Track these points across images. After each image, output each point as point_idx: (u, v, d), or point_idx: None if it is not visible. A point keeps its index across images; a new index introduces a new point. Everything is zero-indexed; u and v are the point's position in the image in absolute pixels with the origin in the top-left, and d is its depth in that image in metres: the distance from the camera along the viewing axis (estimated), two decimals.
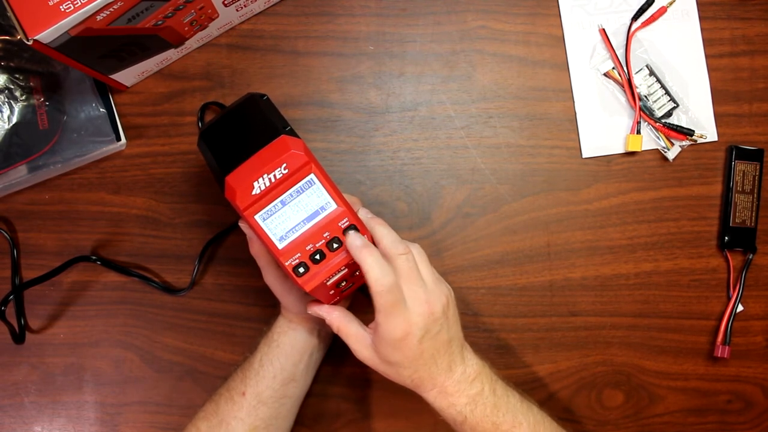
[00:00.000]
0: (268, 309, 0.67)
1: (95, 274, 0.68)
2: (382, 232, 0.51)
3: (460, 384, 0.53)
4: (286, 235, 0.50)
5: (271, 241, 0.50)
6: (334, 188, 0.50)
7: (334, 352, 0.66)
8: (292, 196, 0.49)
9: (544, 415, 0.57)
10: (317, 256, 0.50)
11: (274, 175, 0.49)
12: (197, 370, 0.67)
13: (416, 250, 0.53)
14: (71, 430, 0.67)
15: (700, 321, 0.69)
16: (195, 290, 0.68)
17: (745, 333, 0.69)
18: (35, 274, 0.65)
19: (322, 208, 0.50)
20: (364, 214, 0.53)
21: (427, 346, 0.51)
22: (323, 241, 0.50)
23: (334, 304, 0.55)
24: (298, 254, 0.50)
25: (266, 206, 0.49)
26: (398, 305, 0.49)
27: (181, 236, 0.68)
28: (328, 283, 0.51)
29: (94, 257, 0.67)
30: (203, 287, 0.68)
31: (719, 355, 0.67)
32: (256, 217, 0.49)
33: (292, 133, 0.50)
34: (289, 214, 0.49)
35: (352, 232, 0.50)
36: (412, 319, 0.50)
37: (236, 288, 0.68)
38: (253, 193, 0.49)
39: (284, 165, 0.49)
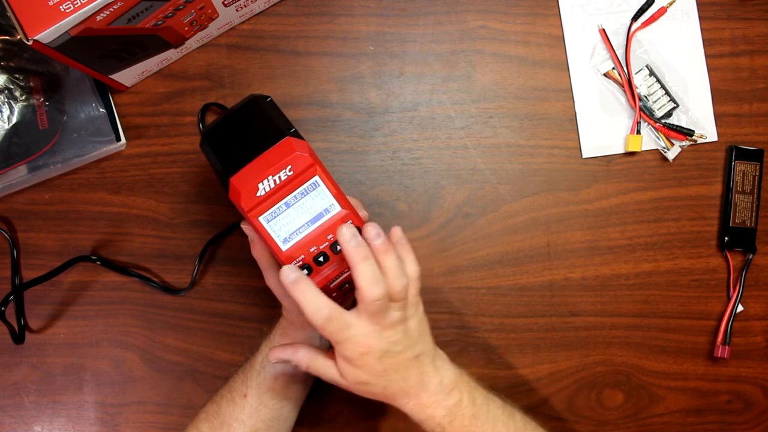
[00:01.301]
0: (268, 309, 0.67)
1: (95, 274, 0.68)
2: (361, 271, 0.47)
3: (437, 395, 0.52)
4: (289, 237, 0.50)
5: (275, 243, 0.50)
6: (338, 190, 0.50)
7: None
8: (296, 198, 0.49)
9: (527, 420, 0.56)
10: (321, 259, 0.50)
11: (279, 177, 0.49)
12: (197, 370, 0.67)
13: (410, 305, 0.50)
14: (71, 430, 0.67)
15: (700, 321, 0.69)
16: (195, 290, 0.68)
17: (745, 333, 0.69)
18: (35, 274, 0.65)
19: (326, 210, 0.50)
20: (352, 240, 0.48)
21: (390, 363, 0.50)
22: (327, 243, 0.50)
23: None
24: (302, 256, 0.50)
25: (271, 208, 0.49)
26: (341, 332, 0.48)
27: (181, 236, 0.68)
28: (332, 286, 0.51)
29: (94, 257, 0.67)
30: (203, 287, 0.68)
31: (719, 355, 0.67)
32: (261, 218, 0.49)
33: (297, 134, 0.50)
34: (293, 216, 0.49)
35: (284, 267, 0.48)
36: (364, 340, 0.49)
37: (236, 288, 0.68)
38: (258, 194, 0.49)
39: (289, 167, 0.49)
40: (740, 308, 0.68)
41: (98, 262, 0.67)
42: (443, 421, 0.52)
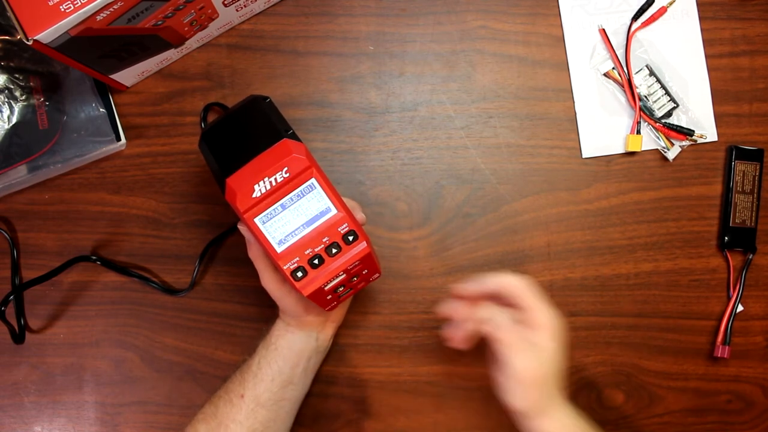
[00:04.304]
0: (268, 309, 0.66)
1: (95, 274, 0.68)
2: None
3: None
4: (285, 239, 0.50)
5: (270, 245, 0.50)
6: (334, 193, 0.50)
7: (333, 353, 0.66)
8: (292, 200, 0.49)
9: None
10: (316, 261, 0.50)
11: (275, 179, 0.49)
12: (197, 370, 0.67)
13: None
14: (71, 430, 0.68)
15: (700, 321, 0.69)
16: (195, 290, 0.68)
17: (745, 333, 0.69)
18: (35, 274, 0.65)
19: (322, 213, 0.50)
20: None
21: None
22: (322, 246, 0.50)
23: (332, 309, 0.55)
24: (297, 258, 0.50)
25: (266, 209, 0.49)
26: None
27: (181, 236, 0.68)
28: (326, 288, 0.51)
29: (94, 257, 0.67)
30: (203, 287, 0.68)
31: (719, 355, 0.67)
32: (256, 220, 0.49)
33: (294, 136, 0.50)
34: (288, 218, 0.49)
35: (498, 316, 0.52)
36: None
37: (236, 288, 0.68)
38: (254, 195, 0.49)
39: (285, 169, 0.49)
40: (740, 308, 0.68)
41: (98, 262, 0.67)
42: None
